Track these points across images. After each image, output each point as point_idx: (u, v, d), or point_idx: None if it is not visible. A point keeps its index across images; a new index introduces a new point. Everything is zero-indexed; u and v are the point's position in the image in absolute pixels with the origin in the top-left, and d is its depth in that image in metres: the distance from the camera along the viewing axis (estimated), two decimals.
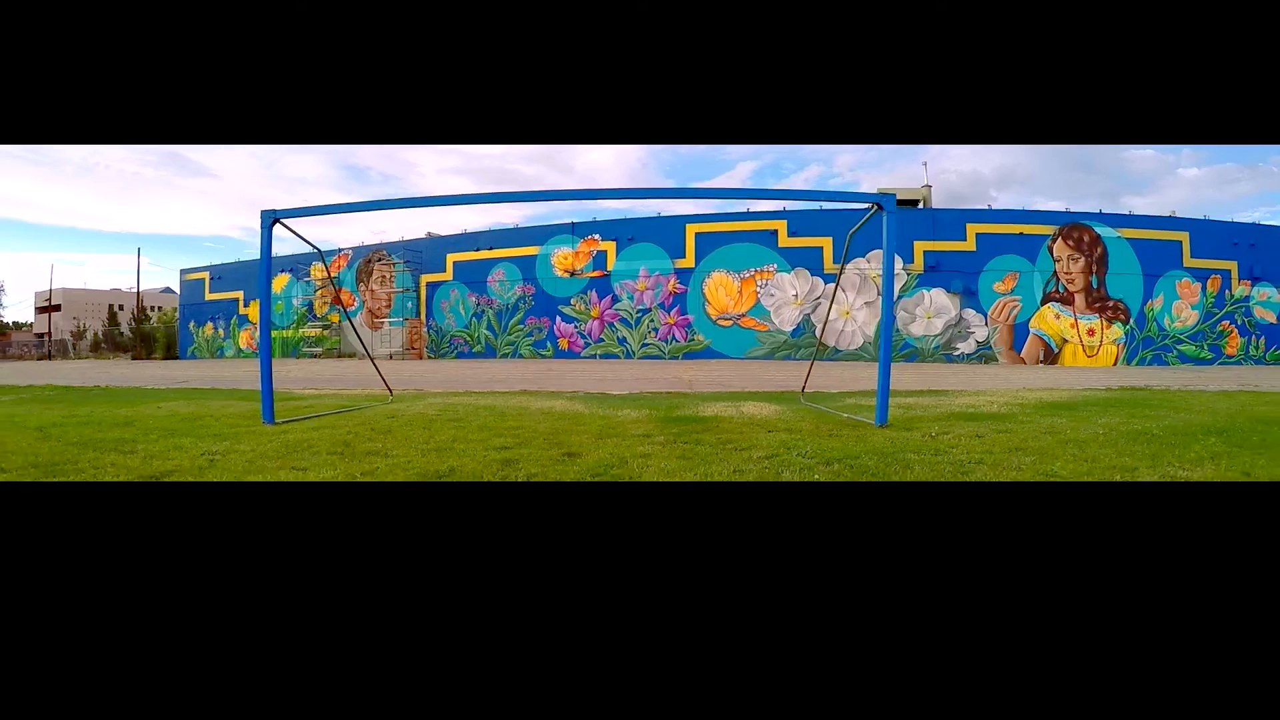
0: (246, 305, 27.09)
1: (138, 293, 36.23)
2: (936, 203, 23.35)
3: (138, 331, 34.14)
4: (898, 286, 18.34)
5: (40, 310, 54.35)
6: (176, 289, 32.62)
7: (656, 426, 4.04)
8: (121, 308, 55.51)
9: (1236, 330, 18.71)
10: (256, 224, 4.74)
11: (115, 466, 2.84)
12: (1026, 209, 18.73)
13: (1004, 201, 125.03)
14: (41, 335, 48.60)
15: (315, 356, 24.59)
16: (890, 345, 4.29)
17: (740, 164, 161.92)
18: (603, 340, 20.40)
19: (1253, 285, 18.79)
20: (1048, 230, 18.28)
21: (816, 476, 2.57)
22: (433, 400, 6.01)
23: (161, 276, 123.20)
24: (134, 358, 30.68)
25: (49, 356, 34.78)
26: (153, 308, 45.55)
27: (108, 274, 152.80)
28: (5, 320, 51.89)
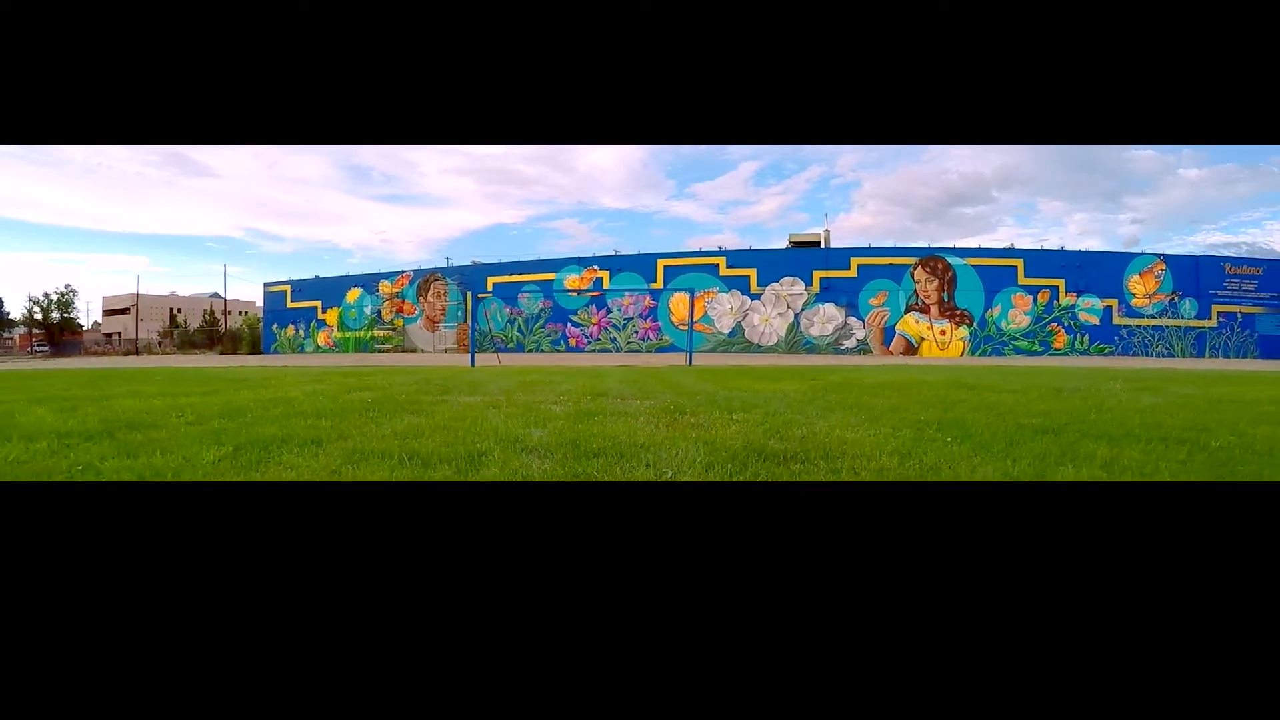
0: (324, 312, 33.76)
1: (224, 299, 44.06)
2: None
3: (226, 331, 40.95)
4: (800, 304, 25.93)
5: (108, 313, 61.99)
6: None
7: (616, 371, 11.77)
8: (180, 310, 63.34)
9: (1063, 330, 24.92)
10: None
11: (469, 391, 10.62)
12: (895, 246, 25.92)
13: (1006, 200, 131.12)
14: (109, 335, 55.52)
15: (384, 352, 30.62)
16: (693, 341, 11.91)
17: (743, 164, 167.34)
18: (600, 340, 27.85)
19: (1078, 296, 24.93)
20: (910, 261, 25.34)
21: (640, 367, 10.24)
22: (521, 366, 13.70)
23: (166, 278, 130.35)
24: (222, 352, 35.92)
25: (136, 352, 39.74)
26: (211, 310, 52.56)
27: (109, 275, 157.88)
28: (77, 320, 58.08)
